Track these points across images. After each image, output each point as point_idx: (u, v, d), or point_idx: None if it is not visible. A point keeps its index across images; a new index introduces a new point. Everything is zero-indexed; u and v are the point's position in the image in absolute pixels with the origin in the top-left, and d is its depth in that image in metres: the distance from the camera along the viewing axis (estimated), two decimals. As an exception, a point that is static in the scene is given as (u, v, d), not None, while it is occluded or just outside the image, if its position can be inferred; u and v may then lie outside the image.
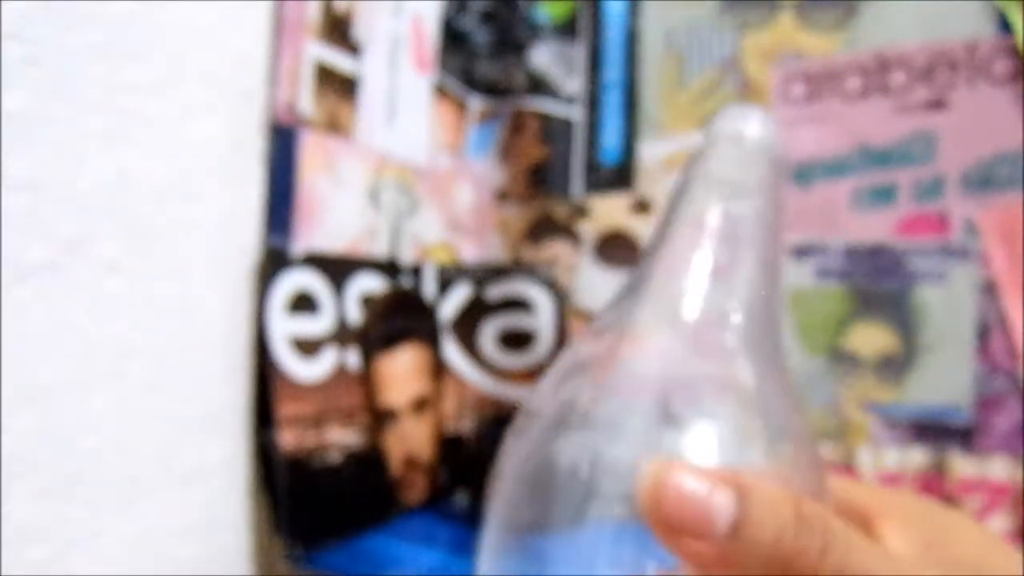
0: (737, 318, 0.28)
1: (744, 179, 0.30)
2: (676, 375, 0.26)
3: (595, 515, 0.24)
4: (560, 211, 0.61)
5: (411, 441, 0.60)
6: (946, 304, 0.51)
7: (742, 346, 0.27)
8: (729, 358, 0.27)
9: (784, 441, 0.26)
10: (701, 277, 0.28)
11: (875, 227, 0.53)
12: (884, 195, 0.52)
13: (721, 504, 0.22)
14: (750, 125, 0.30)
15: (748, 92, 0.56)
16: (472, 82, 0.63)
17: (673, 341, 0.27)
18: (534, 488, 0.26)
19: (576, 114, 0.61)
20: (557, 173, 0.61)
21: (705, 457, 0.25)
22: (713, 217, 0.29)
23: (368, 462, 0.56)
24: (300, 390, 0.52)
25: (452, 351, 0.63)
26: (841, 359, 0.53)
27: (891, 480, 0.52)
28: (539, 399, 0.28)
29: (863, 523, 0.26)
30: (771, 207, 0.30)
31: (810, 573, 0.22)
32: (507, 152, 0.63)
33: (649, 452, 0.25)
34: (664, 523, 0.22)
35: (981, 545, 0.26)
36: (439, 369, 0.62)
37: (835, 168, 0.53)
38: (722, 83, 0.56)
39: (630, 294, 0.29)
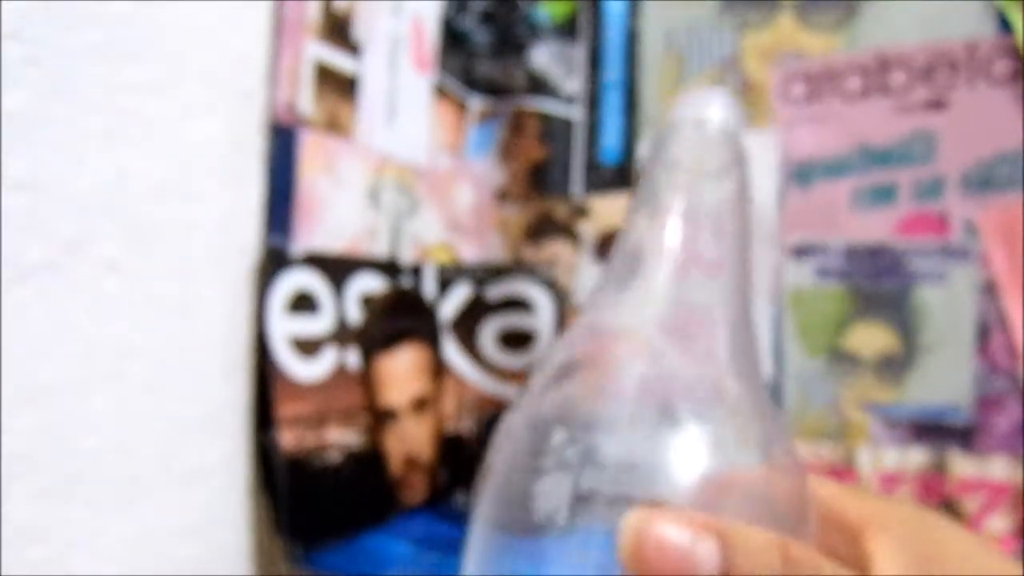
0: (721, 316, 0.27)
1: (709, 164, 0.29)
2: (668, 376, 0.26)
3: (587, 519, 0.24)
4: (560, 211, 0.61)
5: (411, 441, 0.59)
6: (946, 304, 0.51)
7: (727, 346, 0.27)
8: (717, 359, 0.27)
9: (775, 444, 0.26)
10: (682, 272, 0.28)
11: (875, 227, 0.53)
12: (884, 195, 0.52)
13: (705, 554, 0.21)
14: (712, 109, 0.30)
15: (748, 92, 0.56)
16: (472, 82, 0.63)
17: (663, 342, 0.27)
18: (526, 490, 0.26)
19: (576, 114, 0.61)
20: (557, 173, 0.61)
21: (699, 460, 0.25)
22: (679, 204, 0.29)
23: (368, 462, 0.56)
24: (300, 390, 0.52)
25: (452, 351, 0.63)
26: (841, 359, 0.53)
27: (891, 480, 0.52)
28: (529, 398, 0.28)
29: (853, 538, 0.25)
30: (739, 192, 0.29)
31: None
32: (507, 152, 0.63)
33: (643, 455, 0.25)
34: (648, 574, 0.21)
35: (975, 560, 0.26)
36: (439, 369, 0.62)
37: (835, 168, 0.53)
38: (722, 83, 0.56)
39: (611, 290, 0.29)
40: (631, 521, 0.22)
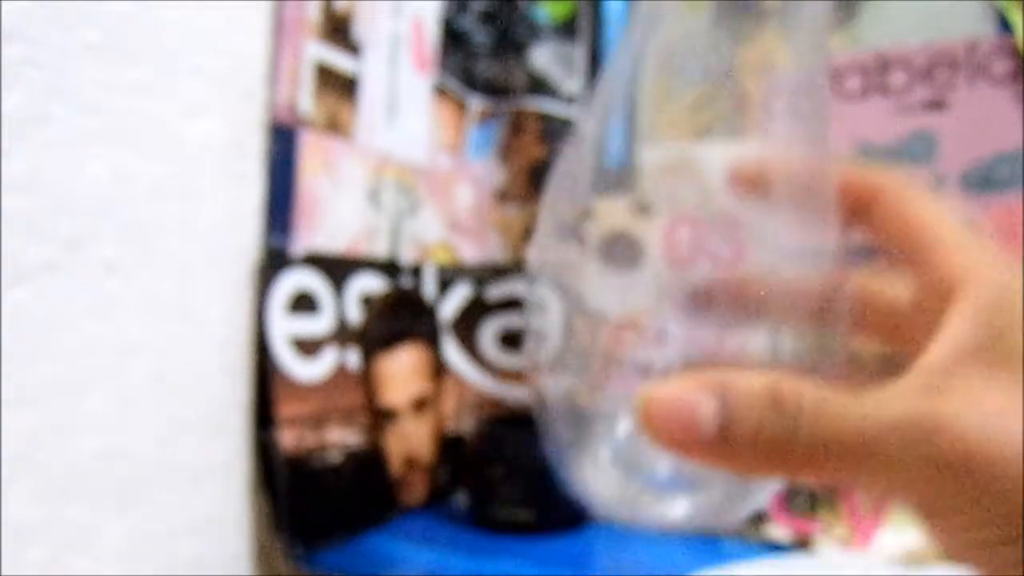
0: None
1: None
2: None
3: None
4: (560, 211, 0.61)
5: (411, 441, 0.60)
6: (946, 304, 0.51)
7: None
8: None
9: None
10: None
11: (875, 227, 0.53)
12: (884, 195, 0.52)
13: (706, 410, 0.22)
14: None
15: (744, 99, 0.56)
16: (472, 82, 0.63)
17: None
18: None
19: (576, 114, 0.61)
20: (557, 173, 0.61)
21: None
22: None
23: (368, 462, 0.56)
24: (300, 390, 0.52)
25: (452, 351, 0.63)
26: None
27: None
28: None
29: (946, 295, 0.25)
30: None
31: (790, 454, 0.22)
32: (507, 152, 0.63)
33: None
34: (660, 437, 0.22)
35: None
36: (439, 369, 0.62)
37: (835, 168, 0.53)
38: (717, 92, 0.56)
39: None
40: (641, 392, 0.23)
